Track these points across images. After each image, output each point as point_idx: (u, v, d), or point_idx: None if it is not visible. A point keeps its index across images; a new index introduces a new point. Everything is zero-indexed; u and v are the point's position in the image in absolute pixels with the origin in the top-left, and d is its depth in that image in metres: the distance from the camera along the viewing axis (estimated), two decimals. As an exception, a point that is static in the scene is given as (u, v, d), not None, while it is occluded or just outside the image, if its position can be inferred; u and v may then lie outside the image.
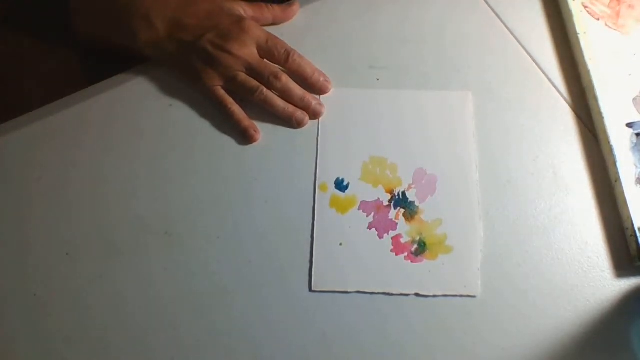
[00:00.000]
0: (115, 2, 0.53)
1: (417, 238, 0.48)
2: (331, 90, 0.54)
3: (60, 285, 0.47)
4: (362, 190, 0.50)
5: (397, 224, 0.49)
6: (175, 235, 0.48)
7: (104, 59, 0.56)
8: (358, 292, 0.46)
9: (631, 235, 0.47)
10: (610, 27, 0.56)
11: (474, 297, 0.46)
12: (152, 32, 0.52)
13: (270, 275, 0.47)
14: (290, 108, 0.52)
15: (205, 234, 0.48)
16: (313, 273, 0.47)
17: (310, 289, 0.46)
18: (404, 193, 0.50)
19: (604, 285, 0.47)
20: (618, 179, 0.49)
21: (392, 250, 0.48)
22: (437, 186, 0.50)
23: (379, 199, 0.50)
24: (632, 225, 0.47)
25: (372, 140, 0.52)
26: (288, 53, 0.53)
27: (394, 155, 0.51)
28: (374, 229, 0.49)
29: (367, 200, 0.50)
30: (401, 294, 0.46)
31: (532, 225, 0.49)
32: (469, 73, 0.55)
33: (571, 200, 0.50)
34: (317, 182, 0.50)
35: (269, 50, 0.53)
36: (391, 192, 0.50)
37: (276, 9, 0.56)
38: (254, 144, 0.52)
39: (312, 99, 0.53)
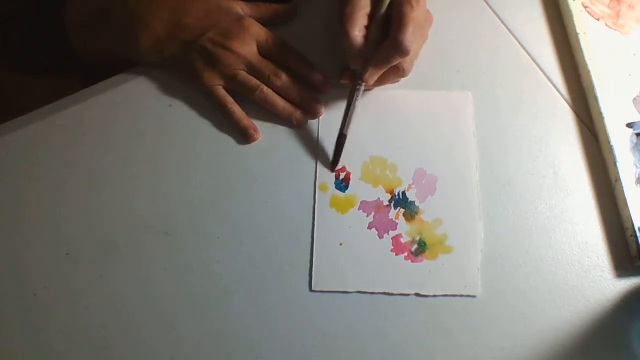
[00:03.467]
0: (112, 13, 0.52)
1: (417, 238, 0.48)
2: (331, 90, 0.54)
3: (60, 285, 0.47)
4: (362, 190, 0.50)
5: (397, 223, 0.49)
6: (175, 235, 0.48)
7: (105, 70, 0.56)
8: (358, 292, 0.46)
9: (631, 235, 0.47)
10: (610, 27, 0.56)
11: (474, 297, 0.46)
12: (152, 34, 0.52)
13: (270, 275, 0.47)
14: (289, 107, 0.52)
15: (205, 234, 0.48)
16: (313, 273, 0.47)
17: (310, 289, 0.46)
18: (404, 193, 0.50)
19: (604, 285, 0.47)
20: (618, 179, 0.49)
21: (392, 250, 0.48)
22: (437, 186, 0.50)
23: (379, 198, 0.50)
24: (632, 225, 0.47)
25: (372, 140, 0.52)
26: (288, 51, 0.53)
27: (394, 155, 0.51)
28: (374, 229, 0.49)
29: (367, 200, 0.50)
30: (401, 294, 0.46)
31: (532, 225, 0.49)
32: (469, 73, 0.55)
33: (571, 200, 0.50)
34: (317, 182, 0.50)
35: (269, 48, 0.53)
36: (391, 192, 0.50)
37: (275, 8, 0.56)
38: (254, 143, 0.52)
39: (311, 98, 0.53)
